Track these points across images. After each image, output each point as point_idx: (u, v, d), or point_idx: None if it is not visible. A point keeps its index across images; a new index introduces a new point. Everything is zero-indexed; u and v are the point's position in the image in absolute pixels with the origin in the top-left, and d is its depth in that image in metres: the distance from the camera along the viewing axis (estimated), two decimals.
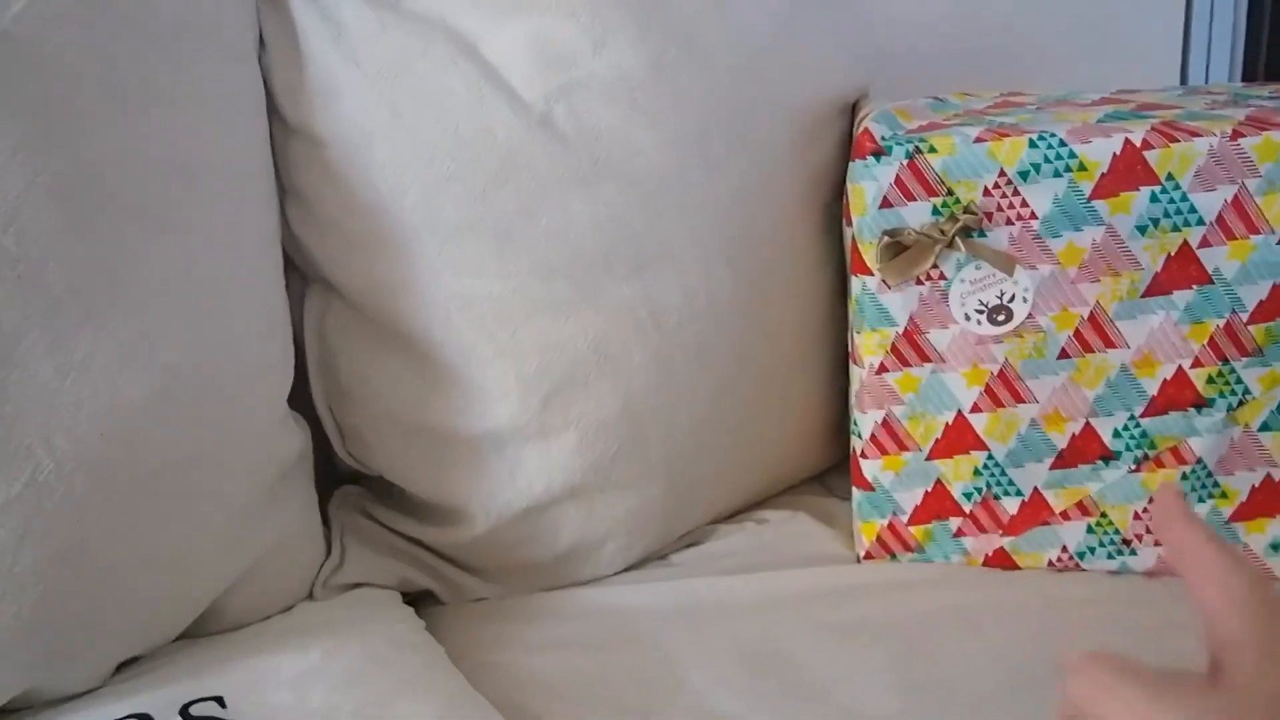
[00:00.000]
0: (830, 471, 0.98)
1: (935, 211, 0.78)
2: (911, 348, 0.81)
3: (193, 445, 0.68)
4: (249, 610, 0.76)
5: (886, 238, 0.78)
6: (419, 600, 0.85)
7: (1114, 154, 0.75)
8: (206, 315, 0.69)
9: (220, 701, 0.67)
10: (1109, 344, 0.79)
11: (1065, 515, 0.83)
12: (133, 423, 0.64)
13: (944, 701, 0.73)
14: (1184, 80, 1.37)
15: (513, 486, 0.80)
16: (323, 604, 0.79)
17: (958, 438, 0.83)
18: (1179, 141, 0.75)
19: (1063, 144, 0.76)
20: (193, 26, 0.69)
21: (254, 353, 0.73)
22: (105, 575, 0.65)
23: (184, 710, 0.66)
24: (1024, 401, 0.81)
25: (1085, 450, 0.82)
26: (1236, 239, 0.76)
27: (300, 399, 0.81)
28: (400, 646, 0.75)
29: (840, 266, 0.90)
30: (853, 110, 0.90)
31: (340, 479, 0.88)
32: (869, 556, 0.87)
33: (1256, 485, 0.81)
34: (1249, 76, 1.40)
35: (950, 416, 0.82)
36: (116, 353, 0.63)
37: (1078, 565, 0.85)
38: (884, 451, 0.84)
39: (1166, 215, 0.76)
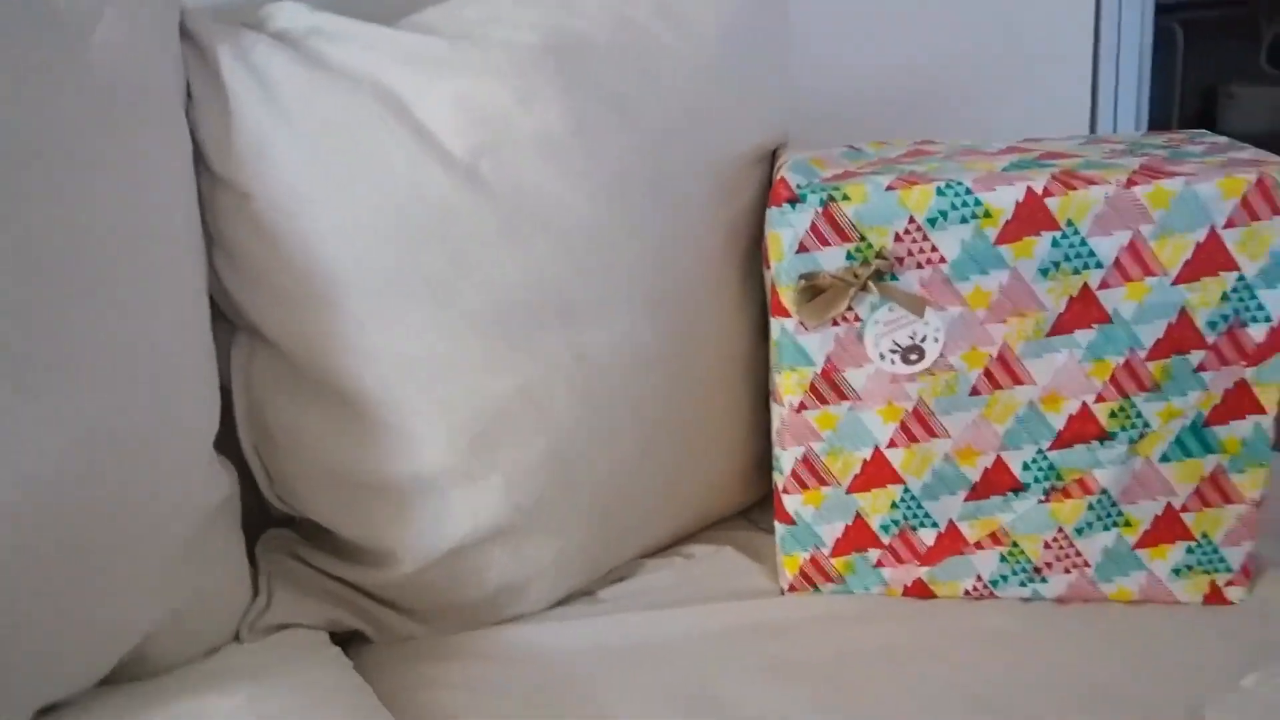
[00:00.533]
0: (755, 507, 1.01)
1: (849, 256, 0.81)
2: (829, 386, 0.84)
3: (117, 500, 0.68)
4: (173, 655, 0.76)
5: (803, 281, 0.81)
6: (348, 639, 0.85)
7: (1017, 201, 0.79)
8: (135, 372, 0.68)
9: None
10: (1017, 381, 0.82)
11: (979, 545, 0.86)
12: (56, 482, 0.64)
13: None
14: (1093, 128, 1.43)
15: (439, 530, 0.81)
16: (249, 647, 0.79)
17: (876, 472, 0.85)
18: (1077, 189, 0.79)
19: (969, 191, 0.79)
20: (122, 87, 0.69)
21: (180, 404, 0.73)
22: (21, 627, 0.65)
23: None
24: (938, 436, 0.84)
25: (996, 482, 0.85)
26: (1133, 280, 0.80)
27: (228, 441, 0.81)
28: (328, 690, 0.75)
29: (762, 307, 0.93)
30: (773, 157, 0.93)
31: (269, 521, 0.88)
32: (793, 589, 0.89)
33: (1159, 514, 0.85)
34: (1161, 125, 1.47)
35: (868, 452, 0.85)
36: (40, 416, 0.63)
37: (992, 593, 0.88)
38: (805, 486, 0.87)
39: (1068, 259, 0.80)
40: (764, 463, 0.96)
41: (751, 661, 0.81)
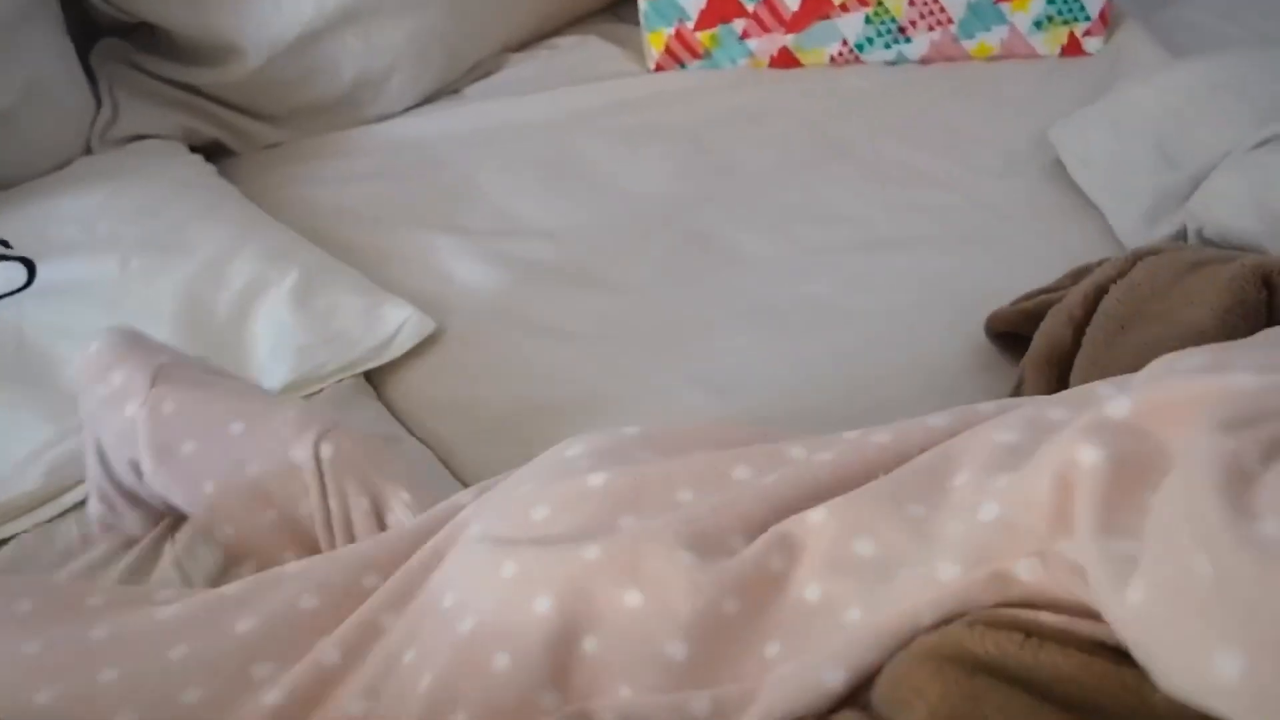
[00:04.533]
0: (622, 3, 0.97)
1: None
2: None
3: None
4: (21, 166, 0.73)
5: None
6: (210, 153, 0.82)
7: None
8: None
9: (4, 244, 0.66)
10: None
11: (844, 7, 0.85)
12: None
13: (722, 183, 0.77)
14: None
15: (280, 13, 0.76)
16: (102, 156, 0.77)
17: None
18: None
19: None
20: None
21: None
22: None
23: None
24: None
25: None
26: None
27: None
28: (188, 185, 0.74)
29: None
30: None
31: (101, 33, 0.82)
32: (659, 68, 0.88)
33: None
34: None
35: None
36: None
37: (857, 58, 0.88)
38: None
39: None
40: None
41: (614, 130, 0.81)
